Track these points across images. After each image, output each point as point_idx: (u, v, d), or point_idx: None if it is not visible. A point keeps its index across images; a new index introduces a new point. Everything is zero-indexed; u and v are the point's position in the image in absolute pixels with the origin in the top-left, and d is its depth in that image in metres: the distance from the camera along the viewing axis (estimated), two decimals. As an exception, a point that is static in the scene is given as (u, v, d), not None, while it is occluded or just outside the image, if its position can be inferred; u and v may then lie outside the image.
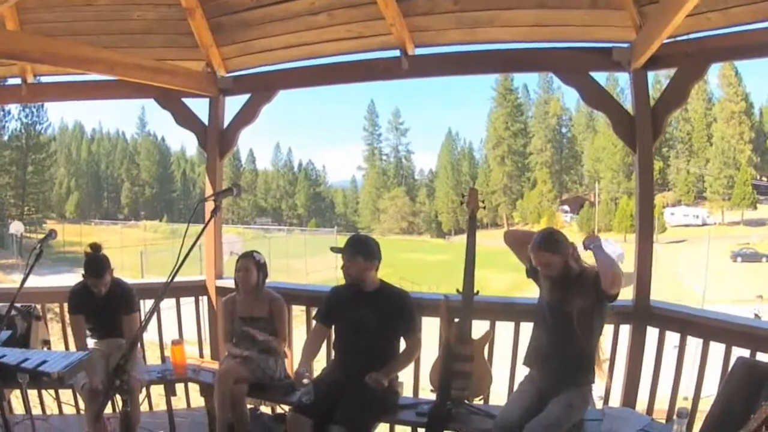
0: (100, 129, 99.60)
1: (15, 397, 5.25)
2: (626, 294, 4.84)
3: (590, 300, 3.85)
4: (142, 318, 4.97)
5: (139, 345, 5.35)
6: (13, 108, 63.30)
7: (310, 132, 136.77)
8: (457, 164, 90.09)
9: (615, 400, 4.75)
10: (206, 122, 5.98)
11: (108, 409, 4.73)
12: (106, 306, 4.89)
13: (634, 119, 4.70)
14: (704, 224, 63.34)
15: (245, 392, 4.75)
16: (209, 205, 3.61)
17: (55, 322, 6.45)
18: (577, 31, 4.85)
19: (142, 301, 5.16)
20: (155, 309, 3.21)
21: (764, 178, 72.71)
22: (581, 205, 73.51)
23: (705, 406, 3.66)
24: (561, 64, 4.97)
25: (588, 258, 3.94)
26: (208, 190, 6.04)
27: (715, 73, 70.55)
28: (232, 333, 5.05)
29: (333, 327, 4.72)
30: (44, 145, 67.22)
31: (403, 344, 4.54)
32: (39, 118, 65.20)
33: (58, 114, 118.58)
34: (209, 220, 3.61)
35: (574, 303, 3.89)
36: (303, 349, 4.60)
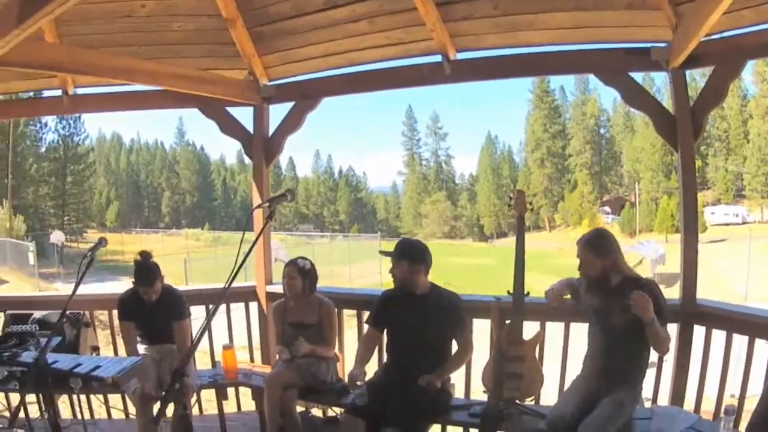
0: (138, 140, 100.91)
1: (62, 402, 5.35)
2: (673, 293, 4.86)
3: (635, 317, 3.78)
4: (193, 325, 5.06)
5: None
6: (50, 120, 64.10)
7: (350, 139, 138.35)
8: (497, 168, 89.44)
9: (663, 399, 4.76)
10: (251, 130, 6.07)
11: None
12: (156, 313, 4.94)
13: (674, 118, 4.70)
14: (744, 222, 62.15)
15: (295, 397, 4.81)
16: (260, 212, 3.69)
17: (101, 329, 6.54)
18: (614, 32, 4.88)
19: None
20: (212, 316, 3.27)
21: (803, 173, 71.18)
22: (622, 206, 72.65)
23: (751, 405, 3.66)
24: (600, 65, 4.98)
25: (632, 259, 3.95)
26: (255, 197, 6.15)
27: (749, 69, 69.28)
28: (283, 337, 5.09)
29: (385, 330, 4.76)
30: (82, 155, 67.86)
31: (455, 346, 4.58)
32: (76, 130, 65.84)
33: (96, 126, 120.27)
34: (264, 226, 3.68)
35: (618, 313, 3.90)
36: (356, 353, 4.65)
